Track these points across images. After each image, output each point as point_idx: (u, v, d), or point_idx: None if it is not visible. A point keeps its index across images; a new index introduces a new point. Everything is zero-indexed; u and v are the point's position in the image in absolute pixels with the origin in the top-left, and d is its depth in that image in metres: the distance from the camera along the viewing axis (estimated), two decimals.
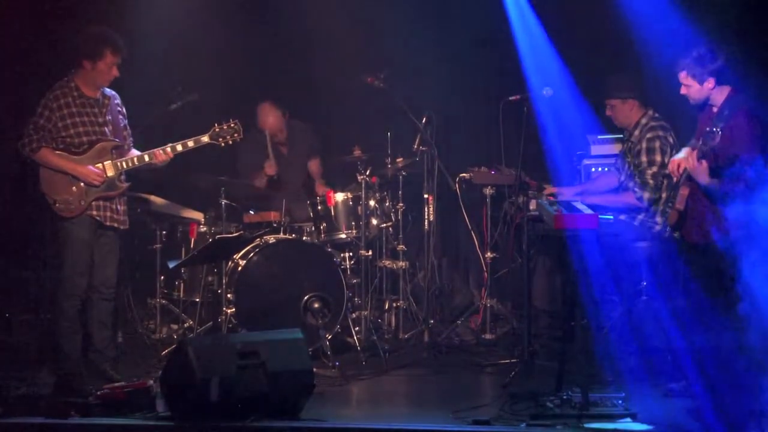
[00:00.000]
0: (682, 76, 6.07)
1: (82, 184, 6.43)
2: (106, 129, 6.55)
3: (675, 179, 6.15)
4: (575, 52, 7.77)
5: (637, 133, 6.88)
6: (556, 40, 7.76)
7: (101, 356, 6.52)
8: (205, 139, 6.72)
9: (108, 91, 6.63)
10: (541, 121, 7.57)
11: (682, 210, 6.10)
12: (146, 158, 6.59)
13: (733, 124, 5.77)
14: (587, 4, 7.63)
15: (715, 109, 5.96)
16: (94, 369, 6.47)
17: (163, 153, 6.58)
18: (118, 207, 6.57)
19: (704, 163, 5.80)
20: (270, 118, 8.01)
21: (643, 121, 6.87)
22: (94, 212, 6.45)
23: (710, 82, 5.98)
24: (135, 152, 6.67)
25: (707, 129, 5.75)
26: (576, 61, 7.71)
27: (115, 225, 6.55)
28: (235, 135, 6.75)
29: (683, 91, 6.10)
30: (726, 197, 5.80)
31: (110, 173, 6.50)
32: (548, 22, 7.75)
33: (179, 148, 6.64)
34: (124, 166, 6.55)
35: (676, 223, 6.21)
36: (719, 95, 5.99)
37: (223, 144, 6.77)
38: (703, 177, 5.83)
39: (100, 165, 6.48)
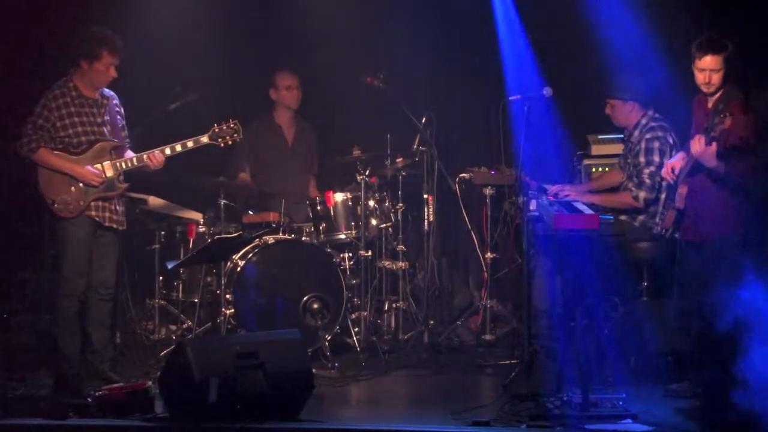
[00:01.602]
0: (716, 60, 5.84)
1: (81, 184, 6.42)
2: (104, 129, 6.53)
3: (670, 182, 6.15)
4: (575, 52, 7.76)
5: (636, 133, 6.86)
6: (554, 38, 7.77)
7: (100, 357, 6.50)
8: (205, 139, 6.70)
9: (107, 91, 6.62)
10: (542, 121, 7.55)
11: (681, 209, 6.08)
12: (145, 158, 6.57)
13: (731, 116, 5.74)
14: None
15: (710, 105, 5.92)
16: (93, 370, 6.45)
17: (155, 157, 6.54)
18: (117, 207, 6.55)
19: (714, 145, 5.73)
20: (287, 80, 8.02)
21: (643, 121, 6.85)
22: (93, 213, 6.44)
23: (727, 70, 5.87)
24: (130, 153, 6.65)
25: (718, 116, 5.66)
26: (576, 60, 7.70)
27: (114, 226, 6.53)
28: (235, 135, 6.74)
29: (707, 78, 5.88)
30: (738, 188, 5.79)
31: (109, 174, 6.48)
32: (545, 20, 7.76)
33: (178, 148, 6.63)
34: (123, 166, 6.53)
35: (674, 222, 6.20)
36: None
37: (222, 144, 6.76)
38: (710, 160, 5.77)
39: (99, 165, 6.47)
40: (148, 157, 6.54)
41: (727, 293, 5.59)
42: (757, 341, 5.40)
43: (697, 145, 5.75)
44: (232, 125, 6.72)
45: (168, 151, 6.60)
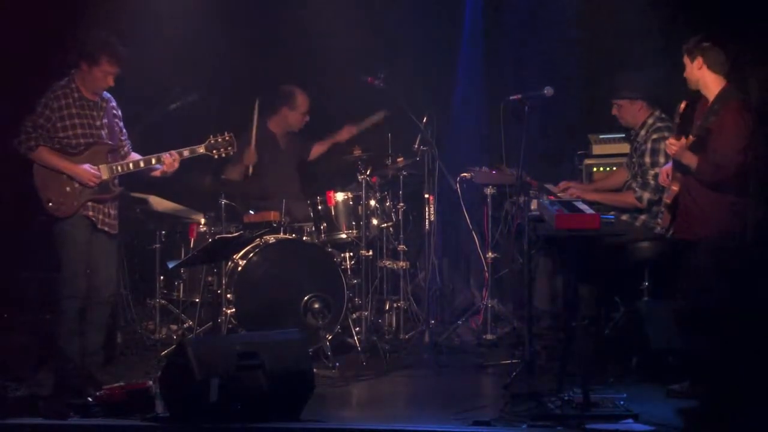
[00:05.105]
0: (685, 58, 6.00)
1: (76, 184, 6.39)
2: (102, 132, 6.51)
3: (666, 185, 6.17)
4: (574, 51, 7.77)
5: (643, 133, 6.85)
6: (554, 38, 7.78)
7: (89, 359, 6.43)
8: (201, 149, 6.70)
9: (105, 94, 6.60)
10: (542, 121, 7.56)
11: (669, 203, 6.08)
12: (141, 164, 6.55)
13: (723, 118, 5.76)
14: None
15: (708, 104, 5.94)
16: (85, 372, 6.42)
17: (171, 158, 6.53)
18: (110, 211, 6.52)
19: (683, 139, 5.82)
20: (306, 104, 8.08)
21: (650, 121, 6.84)
22: (90, 213, 6.42)
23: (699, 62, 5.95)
24: (134, 156, 6.64)
25: (698, 123, 5.75)
26: (576, 60, 7.71)
27: (106, 229, 6.49)
28: (229, 148, 6.74)
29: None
30: (731, 186, 5.80)
31: (104, 176, 6.46)
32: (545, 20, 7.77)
33: (174, 156, 6.62)
34: (119, 170, 6.51)
35: (671, 222, 6.20)
36: (714, 86, 5.93)
37: (216, 156, 6.75)
38: (688, 158, 5.81)
39: (95, 167, 6.46)
40: (145, 162, 6.52)
41: (722, 291, 5.60)
42: (755, 339, 5.41)
43: (674, 147, 5.82)
44: (227, 138, 6.72)
45: (172, 154, 6.59)
